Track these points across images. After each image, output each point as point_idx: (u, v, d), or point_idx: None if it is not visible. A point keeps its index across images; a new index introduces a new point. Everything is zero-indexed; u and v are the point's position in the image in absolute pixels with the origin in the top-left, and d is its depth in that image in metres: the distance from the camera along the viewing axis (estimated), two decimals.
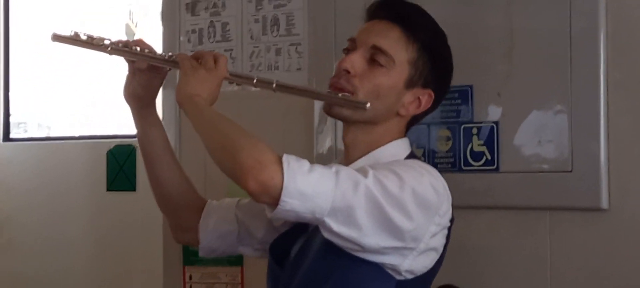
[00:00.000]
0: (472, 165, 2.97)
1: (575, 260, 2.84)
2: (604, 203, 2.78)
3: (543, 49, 2.86)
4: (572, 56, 2.81)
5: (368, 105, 2.21)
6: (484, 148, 2.95)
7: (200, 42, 3.51)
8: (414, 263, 2.14)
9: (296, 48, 3.32)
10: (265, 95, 3.31)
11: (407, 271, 2.14)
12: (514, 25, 2.90)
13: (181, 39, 3.56)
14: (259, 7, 3.39)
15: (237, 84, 2.30)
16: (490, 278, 2.97)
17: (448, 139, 3.01)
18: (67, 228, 4.27)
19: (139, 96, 2.41)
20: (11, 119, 4.57)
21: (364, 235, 2.05)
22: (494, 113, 2.94)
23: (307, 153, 3.17)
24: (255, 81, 2.34)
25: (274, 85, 2.32)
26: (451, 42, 2.95)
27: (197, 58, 2.29)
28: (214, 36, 3.47)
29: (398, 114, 2.29)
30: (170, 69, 2.38)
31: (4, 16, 4.53)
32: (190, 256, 3.44)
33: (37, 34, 4.51)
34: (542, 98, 2.86)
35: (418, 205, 2.09)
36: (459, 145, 2.99)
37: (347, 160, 2.29)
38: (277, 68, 3.36)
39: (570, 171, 2.82)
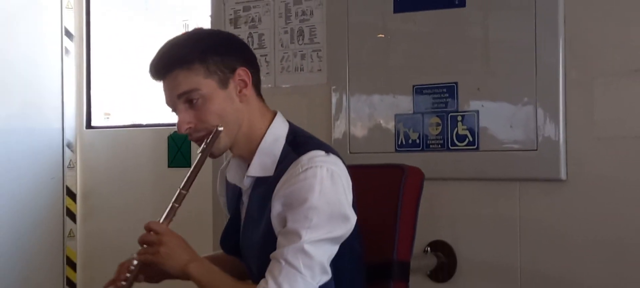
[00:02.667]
0: (458, 146, 2.96)
1: (539, 221, 2.83)
2: (563, 175, 2.78)
3: (513, 53, 2.85)
4: (537, 59, 2.80)
5: (220, 128, 2.07)
6: (467, 132, 2.94)
7: None
8: (350, 228, 2.11)
9: (317, 53, 3.32)
10: (292, 91, 3.37)
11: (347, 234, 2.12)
12: (489, 35, 2.90)
13: None
14: (288, 22, 3.39)
15: (171, 218, 2.11)
16: (471, 235, 2.96)
17: (438, 124, 2.99)
18: (136, 197, 4.27)
19: (157, 279, 2.27)
20: (93, 110, 4.58)
21: (330, 258, 2.05)
22: (475, 104, 2.92)
23: (327, 137, 3.19)
24: (175, 206, 2.13)
25: (179, 192, 2.11)
26: (441, 49, 2.99)
27: (145, 242, 2.10)
28: (252, 44, 3.46)
29: (242, 103, 2.11)
30: (143, 262, 2.12)
31: (86, 27, 4.54)
32: None
33: (111, 44, 4.52)
34: (513, 92, 2.85)
35: (337, 214, 2.05)
36: (447, 130, 2.98)
37: (245, 165, 2.18)
38: (302, 69, 3.35)
39: (536, 150, 2.81)
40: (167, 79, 2.10)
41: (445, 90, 2.98)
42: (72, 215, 4.48)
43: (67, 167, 4.47)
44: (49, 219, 4.41)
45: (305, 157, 2.07)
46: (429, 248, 3.01)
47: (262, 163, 2.14)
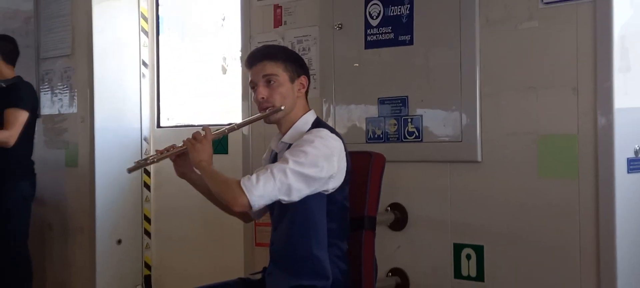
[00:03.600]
0: (408, 139, 2.95)
1: (463, 189, 2.83)
2: (479, 158, 2.77)
3: (445, 74, 2.84)
4: (462, 79, 2.79)
5: (282, 107, 2.22)
6: (415, 130, 2.93)
7: None
8: (334, 183, 2.16)
9: (314, 77, 3.29)
10: None
11: (332, 188, 2.16)
12: (430, 63, 2.88)
13: None
14: None
15: (218, 137, 2.28)
16: (418, 199, 2.95)
17: (395, 124, 2.98)
18: None
19: (183, 172, 2.39)
20: (161, 115, 4.56)
21: (301, 192, 2.08)
22: (420, 111, 2.91)
23: None
24: (227, 130, 2.30)
25: (236, 125, 2.32)
26: (395, 73, 2.98)
27: (194, 137, 2.23)
28: None
29: (298, 98, 2.27)
30: (185, 148, 2.27)
31: (157, 59, 4.53)
32: None
33: (174, 69, 4.51)
34: (445, 102, 2.84)
35: (320, 157, 2.09)
36: (401, 128, 2.96)
37: (282, 136, 2.28)
38: None
39: (461, 141, 2.81)
40: (257, 65, 2.24)
41: (399, 101, 2.97)
42: (147, 186, 4.48)
43: (144, 154, 4.46)
44: (132, 189, 4.41)
45: (315, 130, 2.20)
46: (389, 208, 3.02)
47: (292, 135, 2.25)
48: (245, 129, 3.51)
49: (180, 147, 2.29)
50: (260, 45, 3.48)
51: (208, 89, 4.27)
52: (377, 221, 2.43)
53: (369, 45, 3.06)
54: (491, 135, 2.75)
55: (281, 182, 2.05)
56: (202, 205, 4.17)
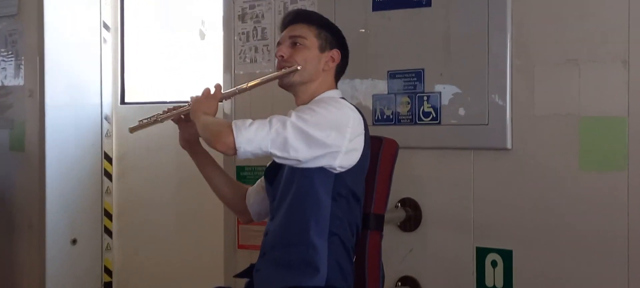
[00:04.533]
0: (424, 121, 2.96)
1: (489, 182, 2.84)
2: (509, 145, 2.79)
3: (469, 44, 2.85)
4: (489, 49, 2.81)
5: (298, 67, 2.29)
6: (431, 110, 2.94)
7: (247, 40, 3.49)
8: (343, 162, 2.18)
9: None
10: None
11: (340, 167, 2.19)
12: (450, 30, 2.89)
13: (235, 38, 3.53)
14: None
15: (229, 98, 2.45)
16: (434, 194, 2.97)
17: (408, 103, 2.99)
18: (160, 160, 4.24)
19: (187, 140, 2.48)
20: (126, 89, 4.56)
21: (299, 152, 2.12)
22: (438, 87, 2.92)
23: None
24: (237, 91, 2.40)
25: (248, 85, 2.37)
26: (409, 41, 2.99)
27: (203, 93, 2.33)
28: (257, 36, 3.46)
29: (324, 71, 2.34)
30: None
31: (121, 20, 4.52)
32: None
33: (141, 34, 4.51)
34: (469, 77, 2.86)
35: (329, 123, 2.15)
36: (415, 108, 2.98)
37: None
38: None
39: (487, 124, 2.82)
40: (291, 25, 2.37)
41: (414, 75, 2.98)
42: (108, 175, 4.48)
43: (105, 136, 4.47)
44: (90, 178, 4.42)
45: (334, 98, 2.30)
46: (399, 204, 3.03)
47: None
48: (227, 107, 3.52)
49: (187, 105, 2.38)
50: (247, 5, 3.50)
51: (183, 58, 4.27)
52: (385, 219, 2.44)
53: (377, 6, 3.07)
54: (523, 118, 2.76)
55: (277, 132, 2.11)
56: (176, 199, 4.25)
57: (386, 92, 3.05)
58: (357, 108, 2.30)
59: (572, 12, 2.66)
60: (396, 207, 3.02)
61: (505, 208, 2.81)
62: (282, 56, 2.32)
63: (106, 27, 4.48)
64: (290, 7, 3.38)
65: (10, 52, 4.50)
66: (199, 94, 2.35)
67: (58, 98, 4.31)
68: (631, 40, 2.55)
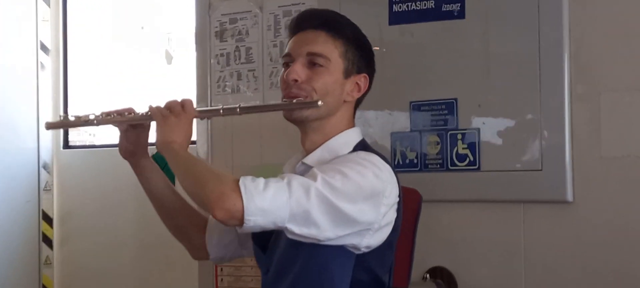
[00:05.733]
0: (458, 166, 2.97)
1: (545, 246, 2.84)
2: (570, 197, 2.79)
3: (516, 67, 2.87)
4: (541, 73, 2.82)
5: (320, 102, 2.15)
6: (467, 151, 2.95)
7: (228, 64, 3.51)
8: (371, 240, 2.09)
9: None
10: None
11: (366, 247, 2.10)
12: (490, 49, 2.91)
13: (211, 61, 3.55)
14: (276, 35, 3.40)
15: (207, 118, 2.22)
16: (473, 261, 2.97)
17: (437, 143, 3.00)
18: (118, 222, 4.27)
19: (131, 151, 2.38)
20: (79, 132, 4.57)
21: (322, 230, 2.01)
22: (476, 121, 2.94)
23: None
24: (221, 111, 2.26)
25: (238, 109, 2.24)
26: (439, 63, 3.00)
27: (168, 107, 2.22)
28: (239, 59, 3.47)
29: (345, 102, 2.23)
30: (149, 122, 2.31)
31: (63, 41, 4.55)
32: None
33: (89, 59, 4.53)
34: (516, 108, 2.87)
35: (364, 194, 2.05)
36: (446, 149, 2.99)
37: (301, 157, 2.26)
38: None
39: (541, 169, 2.83)
40: (306, 32, 2.22)
41: (444, 106, 2.99)
42: (48, 241, 4.47)
43: (43, 190, 4.46)
44: (24, 245, 4.40)
45: (362, 152, 2.17)
46: (428, 275, 3.02)
47: (322, 157, 2.19)
48: (203, 128, 3.50)
49: (142, 114, 2.30)
50: (226, 19, 3.51)
51: (146, 86, 4.28)
52: None
53: (395, 18, 3.09)
54: (587, 161, 2.77)
55: (298, 202, 1.99)
56: (137, 269, 4.23)
57: (408, 129, 3.06)
58: (388, 162, 2.20)
59: None
60: (424, 279, 3.01)
61: (565, 279, 2.81)
62: (297, 80, 2.19)
63: (44, 49, 4.51)
64: (282, 22, 3.39)
65: None
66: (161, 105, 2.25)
67: None
68: None
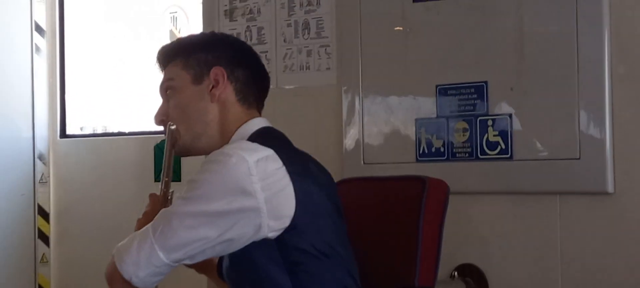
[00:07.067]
0: (488, 154, 2.98)
1: (583, 241, 2.84)
2: (610, 188, 2.79)
3: (551, 47, 2.87)
4: (579, 53, 2.82)
5: (172, 126, 2.28)
6: (498, 139, 2.96)
7: None
8: (271, 222, 2.13)
9: (325, 49, 3.34)
10: (296, 93, 3.39)
11: (270, 231, 2.14)
12: (524, 27, 2.91)
13: None
14: (291, 13, 3.42)
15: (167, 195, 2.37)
16: (504, 257, 2.97)
17: (465, 130, 3.01)
18: (118, 216, 4.27)
19: (202, 267, 2.49)
20: (69, 116, 4.60)
21: (205, 241, 2.12)
22: (507, 106, 2.94)
23: (337, 146, 3.21)
24: (164, 187, 2.37)
25: (164, 179, 2.36)
26: (465, 43, 3.00)
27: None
28: (250, 40, 3.48)
29: (219, 103, 2.29)
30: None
31: (59, 22, 4.56)
32: None
33: (88, 41, 4.55)
34: (551, 91, 2.87)
35: (220, 187, 2.11)
36: (475, 136, 3.00)
37: None
38: (308, 68, 3.37)
39: (578, 158, 2.83)
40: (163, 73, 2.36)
41: (473, 90, 3.00)
42: (44, 238, 4.50)
43: (39, 182, 4.49)
44: (18, 242, 4.44)
45: (226, 147, 2.18)
46: (456, 273, 3.03)
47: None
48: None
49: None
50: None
51: (147, 70, 4.29)
52: None
53: None
54: (630, 149, 2.77)
55: (163, 233, 2.11)
56: None
57: (434, 116, 3.07)
58: (274, 138, 2.24)
59: None
60: (452, 276, 3.02)
61: (606, 274, 2.81)
62: (162, 120, 2.32)
63: (39, 30, 4.53)
64: (297, 2, 3.40)
65: None
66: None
67: None
68: None
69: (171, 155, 2.33)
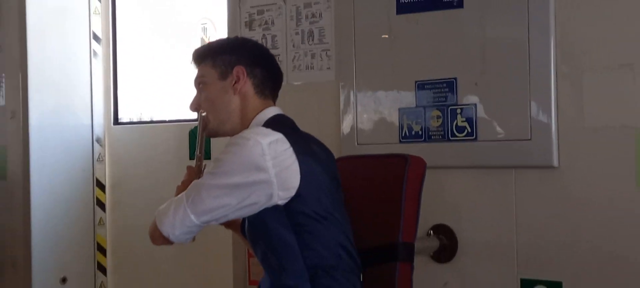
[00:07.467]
0: (457, 136, 2.96)
1: (534, 206, 2.83)
2: (555, 163, 2.78)
3: (508, 51, 2.85)
4: (530, 55, 2.80)
5: (203, 113, 2.34)
6: (465, 124, 2.94)
7: None
8: (281, 192, 2.16)
9: (326, 53, 3.33)
10: (303, 88, 3.38)
11: (280, 199, 2.17)
12: (486, 35, 2.89)
13: None
14: (298, 24, 3.41)
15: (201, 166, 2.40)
16: (471, 219, 2.97)
17: (439, 117, 3.00)
18: (160, 188, 4.24)
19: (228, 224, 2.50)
20: (120, 107, 4.59)
21: (227, 207, 2.16)
22: (473, 98, 2.93)
23: (336, 131, 3.21)
24: (198, 157, 2.39)
25: (198, 152, 2.39)
26: (439, 47, 2.99)
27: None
28: (266, 45, 3.46)
29: (240, 95, 2.31)
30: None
31: (112, 31, 4.55)
32: None
33: (136, 46, 4.54)
34: (508, 86, 2.86)
35: (239, 164, 2.14)
36: (447, 122, 2.98)
37: None
38: (312, 68, 3.36)
39: (530, 139, 2.82)
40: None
41: (445, 85, 2.98)
42: (101, 205, 4.50)
43: (97, 161, 4.49)
44: (81, 208, 4.43)
45: (244, 132, 2.22)
46: (431, 232, 3.03)
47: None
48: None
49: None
50: (254, 11, 3.52)
51: (184, 71, 4.28)
52: (416, 249, 2.43)
53: (402, 8, 3.08)
54: (571, 131, 2.76)
55: (193, 201, 2.16)
56: None
57: (414, 105, 3.05)
58: (285, 125, 2.26)
59: (625, 10, 2.66)
60: (428, 235, 3.01)
61: (552, 234, 2.80)
62: (196, 109, 2.36)
63: (96, 38, 4.52)
64: (303, 13, 3.40)
65: None
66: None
67: (43, 119, 4.34)
68: None
69: (203, 136, 2.37)
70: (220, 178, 2.16)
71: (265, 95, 2.35)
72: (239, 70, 2.31)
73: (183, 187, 2.31)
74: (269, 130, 2.19)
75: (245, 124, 2.31)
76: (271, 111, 2.33)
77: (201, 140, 2.38)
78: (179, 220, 2.18)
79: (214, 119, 2.33)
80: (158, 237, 2.22)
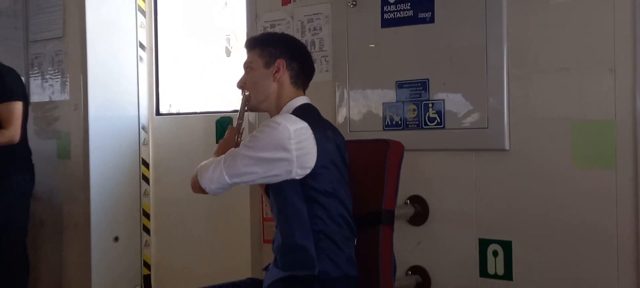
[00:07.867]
0: (429, 125, 2.96)
1: (490, 181, 2.84)
2: (507, 146, 2.79)
3: (470, 56, 2.85)
4: (487, 60, 2.80)
5: (247, 93, 2.32)
6: (436, 115, 2.94)
7: None
8: (298, 170, 2.16)
9: (325, 58, 3.33)
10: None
11: (297, 175, 2.18)
12: (452, 44, 2.89)
13: None
14: (303, 35, 3.39)
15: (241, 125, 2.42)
16: (439, 191, 2.97)
17: (414, 110, 3.00)
18: (191, 166, 4.25)
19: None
20: (161, 102, 4.58)
21: (254, 173, 2.17)
22: (442, 95, 2.92)
23: (332, 121, 3.20)
24: (241, 115, 2.39)
25: (240, 119, 2.39)
26: (415, 54, 2.98)
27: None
28: None
29: (278, 83, 2.30)
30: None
31: (155, 41, 4.55)
32: None
33: (174, 52, 4.54)
34: (470, 85, 2.85)
35: (269, 143, 2.15)
36: (421, 114, 2.98)
37: None
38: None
39: (487, 127, 2.82)
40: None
41: (419, 84, 2.98)
42: (146, 179, 4.51)
43: (142, 144, 4.49)
44: (130, 182, 4.44)
45: (277, 117, 2.22)
46: (408, 201, 3.04)
47: None
48: (252, 118, 3.53)
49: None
50: (268, 24, 3.51)
51: (211, 73, 4.29)
52: (396, 215, 2.45)
53: (385, 23, 3.08)
54: (520, 122, 2.76)
55: (229, 165, 2.17)
56: (206, 200, 4.25)
57: (395, 101, 3.05)
58: (308, 114, 2.25)
59: (564, 25, 2.66)
60: (406, 203, 3.02)
61: (504, 203, 2.80)
62: (242, 86, 2.35)
63: (142, 47, 4.51)
64: (307, 26, 3.39)
65: (56, 70, 4.53)
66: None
67: (100, 110, 4.34)
68: (616, 50, 2.54)
69: (244, 110, 2.37)
70: (253, 152, 2.16)
71: (298, 86, 2.35)
72: (280, 62, 2.30)
73: (225, 142, 2.36)
74: (297, 119, 2.19)
75: (279, 107, 2.31)
76: (301, 100, 2.32)
77: (242, 112, 2.38)
78: (216, 178, 2.19)
79: (255, 98, 2.32)
80: (198, 188, 2.23)
